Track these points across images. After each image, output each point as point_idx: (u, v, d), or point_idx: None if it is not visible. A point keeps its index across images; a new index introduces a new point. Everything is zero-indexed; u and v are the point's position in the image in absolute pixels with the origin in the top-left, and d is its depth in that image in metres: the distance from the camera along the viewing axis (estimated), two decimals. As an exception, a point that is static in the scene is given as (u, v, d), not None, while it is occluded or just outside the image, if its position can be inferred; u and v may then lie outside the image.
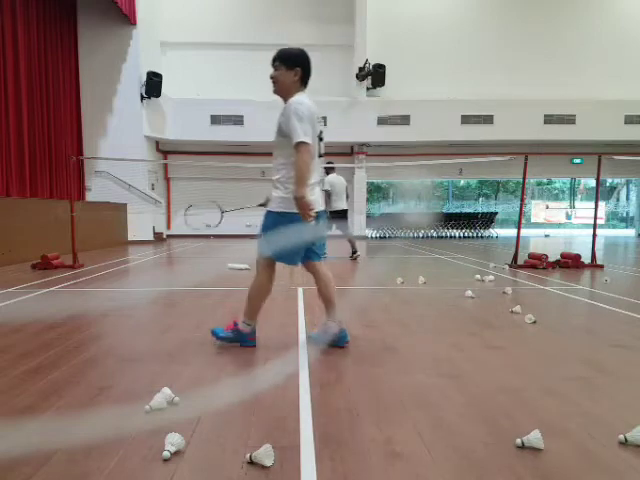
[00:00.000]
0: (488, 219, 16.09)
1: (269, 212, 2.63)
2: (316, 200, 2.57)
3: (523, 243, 11.58)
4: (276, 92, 2.64)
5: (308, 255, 2.74)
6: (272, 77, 2.58)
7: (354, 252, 7.94)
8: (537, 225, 19.46)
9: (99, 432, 1.71)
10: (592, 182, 19.55)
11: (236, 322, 2.81)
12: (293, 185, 2.44)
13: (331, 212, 7.34)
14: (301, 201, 2.38)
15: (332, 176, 7.81)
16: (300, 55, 2.59)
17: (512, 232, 15.02)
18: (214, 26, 14.67)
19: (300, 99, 2.53)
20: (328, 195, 7.54)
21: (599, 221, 8.30)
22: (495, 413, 1.90)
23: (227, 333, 2.80)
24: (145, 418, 1.84)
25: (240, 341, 2.80)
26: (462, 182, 24.01)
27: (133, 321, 3.58)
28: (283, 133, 2.51)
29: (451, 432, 1.74)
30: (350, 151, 15.35)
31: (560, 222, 19.50)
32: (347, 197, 7.93)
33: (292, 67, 2.55)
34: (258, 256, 2.71)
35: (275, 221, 2.58)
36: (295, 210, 2.44)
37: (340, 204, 7.72)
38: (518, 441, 1.62)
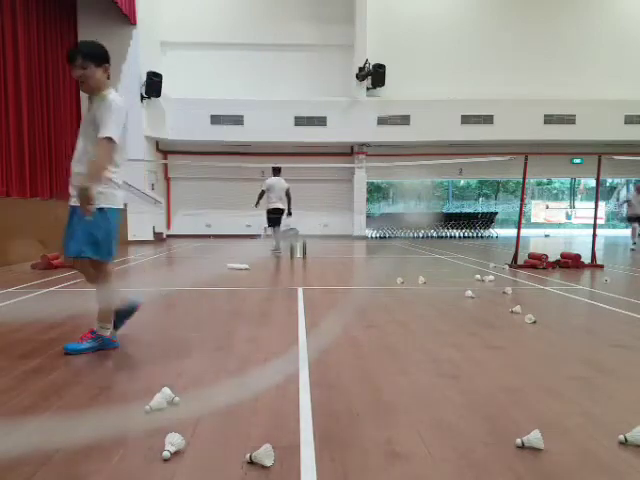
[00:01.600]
0: (488, 219, 16.09)
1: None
2: (108, 196, 2.61)
3: (523, 243, 11.59)
4: (86, 90, 2.60)
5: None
6: (81, 76, 2.51)
7: (276, 249, 8.82)
8: (537, 225, 19.47)
9: (99, 432, 1.71)
10: (592, 182, 19.56)
11: (93, 330, 2.74)
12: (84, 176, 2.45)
13: (268, 210, 8.75)
14: (86, 192, 2.36)
15: (273, 178, 8.79)
16: (106, 51, 2.60)
17: (512, 232, 15.03)
18: (214, 26, 14.68)
19: (116, 96, 2.58)
20: (263, 194, 8.75)
21: (599, 221, 8.30)
22: (495, 413, 1.90)
23: (88, 343, 2.69)
24: (145, 418, 1.83)
25: (105, 346, 2.73)
26: (462, 182, 24.01)
27: (133, 321, 3.58)
28: (96, 126, 2.52)
29: (451, 432, 1.74)
30: (350, 151, 15.35)
31: (560, 222, 19.51)
32: (289, 199, 8.81)
33: (101, 64, 2.56)
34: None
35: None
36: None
37: (276, 204, 8.70)
38: (518, 441, 1.62)
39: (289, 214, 8.93)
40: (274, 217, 8.75)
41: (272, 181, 8.73)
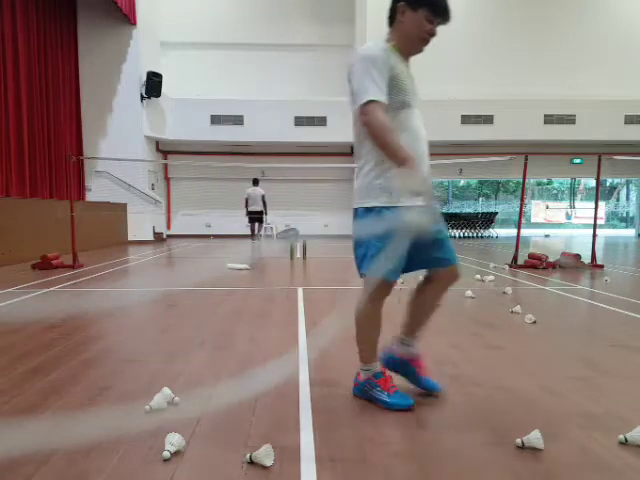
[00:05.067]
0: (488, 219, 16.08)
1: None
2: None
3: (523, 243, 11.58)
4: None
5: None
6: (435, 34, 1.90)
7: (253, 236, 11.73)
8: (537, 225, 19.46)
9: (99, 432, 1.71)
10: (592, 182, 19.55)
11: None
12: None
13: (249, 212, 11.40)
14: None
15: (250, 188, 11.46)
16: None
17: (512, 232, 15.02)
18: (214, 26, 14.67)
19: None
20: (247, 201, 11.36)
21: (599, 221, 8.30)
22: (495, 413, 1.90)
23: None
24: (145, 418, 1.83)
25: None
26: (462, 182, 24.00)
27: (133, 321, 3.58)
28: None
29: (451, 432, 1.74)
30: (350, 151, 15.33)
31: (560, 222, 19.50)
32: (264, 204, 11.37)
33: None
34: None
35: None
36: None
37: (254, 207, 11.33)
38: (518, 441, 1.62)
39: (265, 214, 11.53)
40: (253, 217, 11.51)
41: (250, 190, 11.44)
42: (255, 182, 11.61)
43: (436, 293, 2.06)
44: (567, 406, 1.97)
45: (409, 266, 1.95)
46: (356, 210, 1.96)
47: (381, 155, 1.80)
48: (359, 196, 1.94)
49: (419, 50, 1.93)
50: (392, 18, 1.92)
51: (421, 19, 1.84)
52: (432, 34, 1.88)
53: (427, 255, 1.94)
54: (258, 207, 11.33)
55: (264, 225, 11.91)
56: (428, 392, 2.07)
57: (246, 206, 11.47)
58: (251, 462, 1.51)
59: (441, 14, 1.85)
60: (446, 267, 1.98)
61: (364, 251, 1.89)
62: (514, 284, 5.40)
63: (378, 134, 1.73)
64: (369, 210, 1.88)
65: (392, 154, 1.72)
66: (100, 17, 11.85)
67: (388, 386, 1.96)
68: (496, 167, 14.66)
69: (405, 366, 2.10)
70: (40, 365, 2.46)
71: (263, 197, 11.36)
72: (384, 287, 1.92)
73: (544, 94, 14.60)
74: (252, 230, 11.68)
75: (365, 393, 2.01)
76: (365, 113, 1.75)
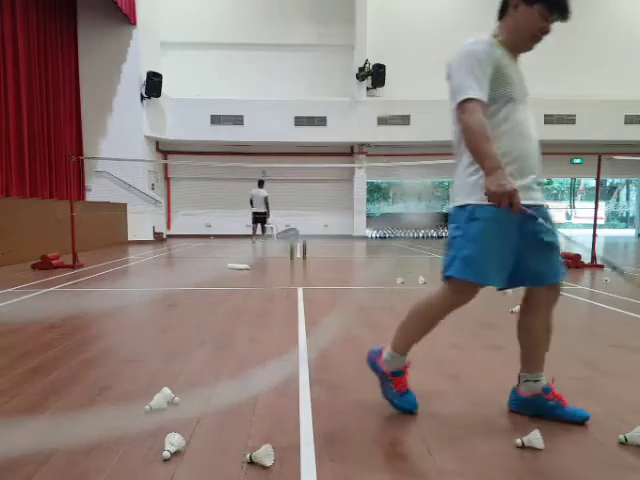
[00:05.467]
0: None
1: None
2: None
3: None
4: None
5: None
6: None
7: (253, 236, 12.01)
8: (537, 225, 19.44)
9: (99, 432, 1.71)
10: (592, 182, 19.55)
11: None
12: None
13: (253, 212, 11.81)
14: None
15: (255, 190, 11.81)
16: None
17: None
18: (214, 26, 14.66)
19: None
20: (252, 202, 11.76)
21: (599, 221, 8.29)
22: (495, 413, 1.90)
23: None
24: (145, 418, 1.83)
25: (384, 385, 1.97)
26: (462, 182, 24.01)
27: (133, 321, 3.58)
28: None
29: (451, 432, 1.74)
30: (350, 151, 15.34)
31: (560, 222, 19.51)
32: (267, 205, 11.69)
33: None
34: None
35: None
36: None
37: (258, 208, 11.71)
38: (518, 441, 1.62)
39: (268, 216, 11.96)
40: (257, 217, 11.88)
41: (254, 192, 11.78)
42: (260, 184, 11.88)
43: (542, 320, 1.85)
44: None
45: (512, 278, 1.78)
46: (453, 210, 1.85)
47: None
48: (455, 194, 1.83)
49: (529, 48, 1.80)
50: (503, 11, 1.78)
51: (535, 15, 1.69)
52: (546, 32, 1.73)
53: (530, 267, 1.77)
54: (261, 208, 11.73)
55: (265, 226, 12.16)
56: (579, 422, 1.81)
57: (251, 206, 11.88)
58: (251, 462, 1.51)
59: (559, 11, 1.70)
60: (548, 285, 1.79)
61: (454, 252, 1.77)
62: (514, 284, 5.39)
63: (471, 136, 1.65)
64: (462, 208, 1.77)
65: (480, 160, 1.64)
66: (100, 17, 11.85)
67: (400, 387, 1.91)
68: (496, 167, 14.63)
69: (539, 404, 1.87)
70: (40, 365, 2.46)
71: (266, 199, 11.67)
72: (468, 292, 1.78)
73: (544, 94, 14.57)
74: (254, 230, 12.00)
75: (376, 373, 1.97)
76: (463, 111, 1.67)
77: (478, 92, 1.66)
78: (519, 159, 1.73)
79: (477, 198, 1.70)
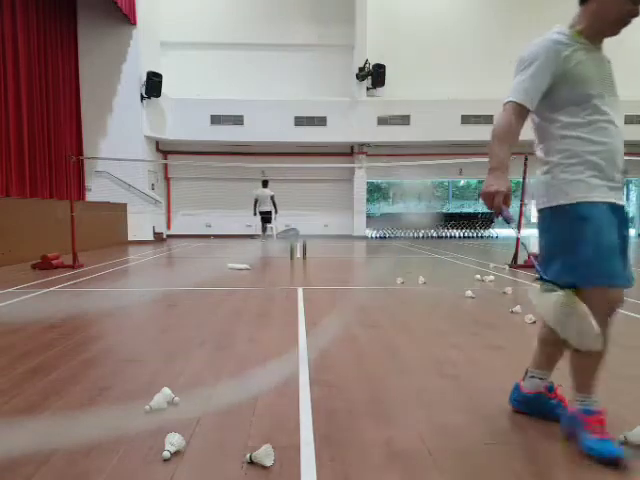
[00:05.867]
0: (488, 219, 16.08)
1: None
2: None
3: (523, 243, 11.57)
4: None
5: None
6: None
7: (261, 236, 12.22)
8: (537, 225, 19.42)
9: (99, 432, 1.71)
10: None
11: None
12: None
13: (260, 212, 12.00)
14: None
15: (259, 189, 12.06)
16: None
17: (512, 232, 15.00)
18: (214, 26, 14.67)
19: None
20: (256, 202, 11.96)
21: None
22: (495, 413, 1.90)
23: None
24: (145, 418, 1.84)
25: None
26: (462, 182, 24.02)
27: (133, 321, 3.58)
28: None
29: (451, 432, 1.74)
30: (350, 151, 15.34)
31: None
32: (274, 204, 11.96)
33: None
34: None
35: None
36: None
37: (264, 208, 11.94)
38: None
39: (276, 213, 12.14)
40: (264, 217, 12.10)
41: (259, 192, 12.03)
42: (265, 184, 12.17)
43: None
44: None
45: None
46: (541, 212, 1.73)
47: (569, 146, 1.67)
48: (541, 194, 1.72)
49: (614, 33, 1.69)
50: None
51: None
52: (635, 15, 1.60)
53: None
54: (267, 207, 11.97)
55: (267, 225, 12.32)
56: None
57: (255, 207, 12.02)
58: (251, 462, 1.51)
59: None
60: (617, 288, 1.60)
61: (563, 259, 1.61)
62: (514, 284, 5.40)
63: (492, 133, 1.70)
64: (555, 211, 1.65)
65: (489, 157, 1.68)
66: (100, 17, 11.85)
67: (595, 426, 1.59)
68: (496, 167, 14.62)
69: (541, 402, 1.84)
70: (40, 365, 2.46)
71: (272, 198, 11.96)
72: (615, 295, 1.59)
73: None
74: (263, 229, 12.23)
75: (570, 426, 1.68)
76: (503, 109, 1.72)
77: (523, 97, 1.70)
78: (605, 159, 1.68)
79: (577, 196, 1.63)
